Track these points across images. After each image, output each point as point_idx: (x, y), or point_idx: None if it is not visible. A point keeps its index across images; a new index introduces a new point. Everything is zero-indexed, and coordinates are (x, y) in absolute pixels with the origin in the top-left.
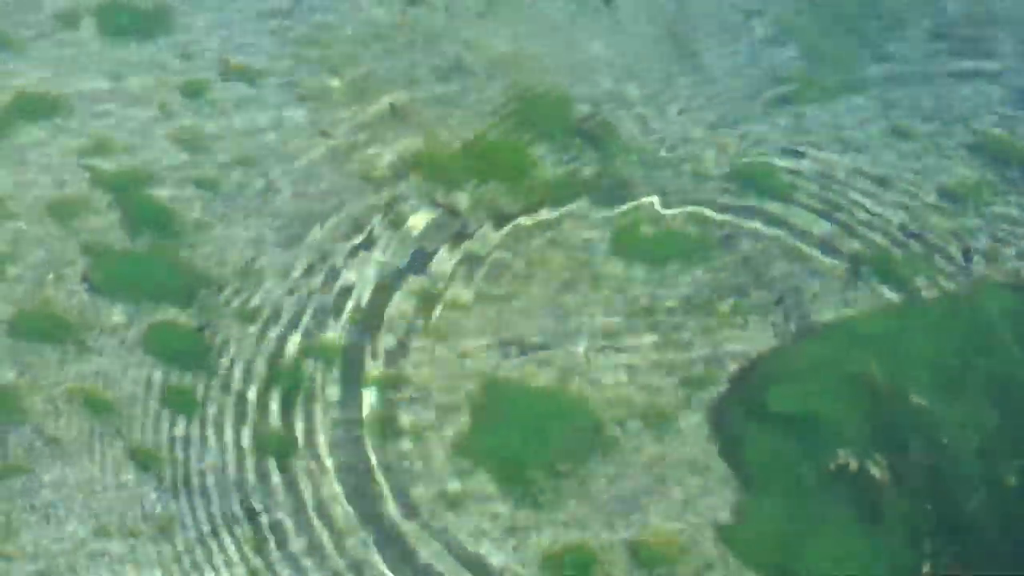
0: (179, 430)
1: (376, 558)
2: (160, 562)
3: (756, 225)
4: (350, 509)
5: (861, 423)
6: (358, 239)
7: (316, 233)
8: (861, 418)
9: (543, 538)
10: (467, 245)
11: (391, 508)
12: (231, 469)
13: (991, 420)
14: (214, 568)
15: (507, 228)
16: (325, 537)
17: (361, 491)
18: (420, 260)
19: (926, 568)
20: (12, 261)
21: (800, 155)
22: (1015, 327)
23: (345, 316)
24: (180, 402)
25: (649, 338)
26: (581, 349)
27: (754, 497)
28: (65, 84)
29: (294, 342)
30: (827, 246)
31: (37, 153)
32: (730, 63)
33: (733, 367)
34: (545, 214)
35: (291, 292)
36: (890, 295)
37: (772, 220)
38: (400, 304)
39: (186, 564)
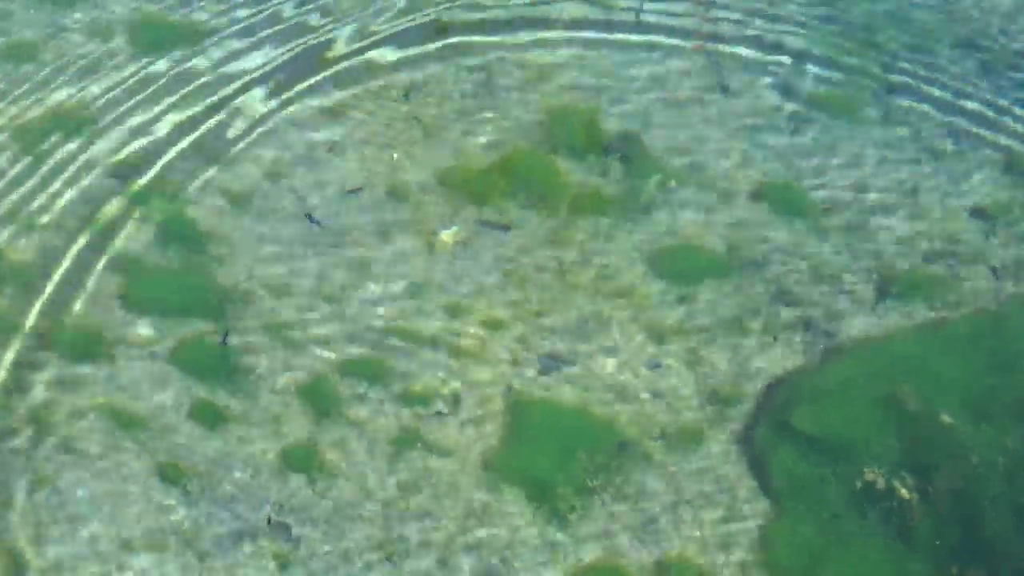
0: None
1: None
2: None
3: None
4: None
5: (889, 443)
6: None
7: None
8: (889, 438)
9: (570, 556)
10: (496, 263)
11: None
12: None
13: (1020, 441)
14: None
15: (537, 242)
16: None
17: None
18: (450, 275)
19: None
20: (44, 276)
21: None
22: None
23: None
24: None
25: (677, 355)
26: (609, 365)
27: (781, 516)
28: (97, 99)
29: None
30: None
31: (69, 167)
32: None
33: (761, 385)
34: (573, 228)
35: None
36: (919, 314)
37: None
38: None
39: None
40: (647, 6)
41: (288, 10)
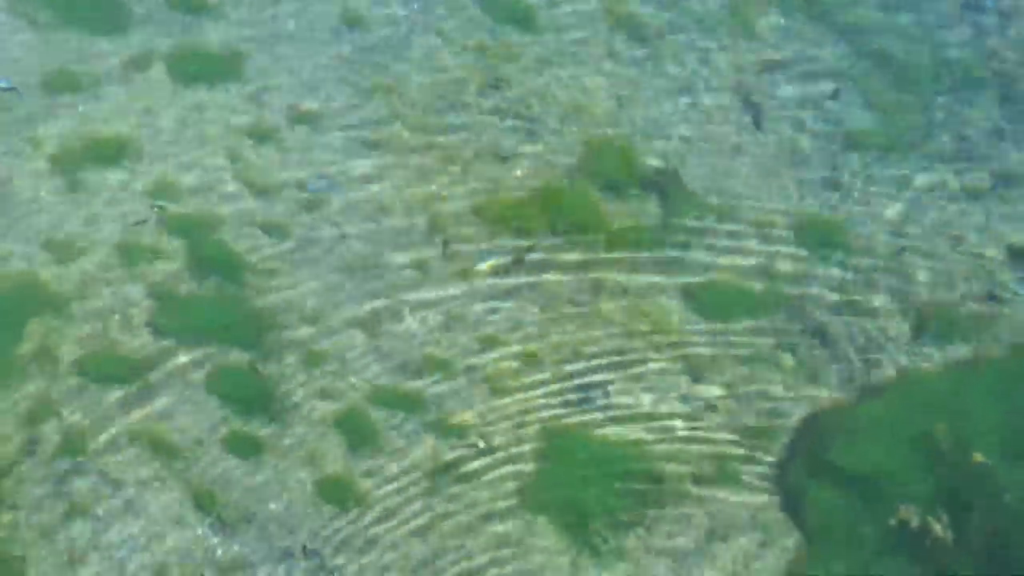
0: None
1: None
2: None
3: None
4: None
5: (924, 481)
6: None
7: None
8: (924, 476)
9: None
10: (533, 295)
11: None
12: None
13: None
14: None
15: (573, 277)
16: None
17: None
18: (487, 305)
19: None
20: (79, 302)
21: None
22: None
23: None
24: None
25: (713, 391)
26: (644, 399)
27: (815, 552)
28: (136, 128)
29: None
30: None
31: (106, 196)
32: None
33: (796, 422)
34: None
35: None
36: (955, 353)
37: None
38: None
39: None
40: None
41: None
